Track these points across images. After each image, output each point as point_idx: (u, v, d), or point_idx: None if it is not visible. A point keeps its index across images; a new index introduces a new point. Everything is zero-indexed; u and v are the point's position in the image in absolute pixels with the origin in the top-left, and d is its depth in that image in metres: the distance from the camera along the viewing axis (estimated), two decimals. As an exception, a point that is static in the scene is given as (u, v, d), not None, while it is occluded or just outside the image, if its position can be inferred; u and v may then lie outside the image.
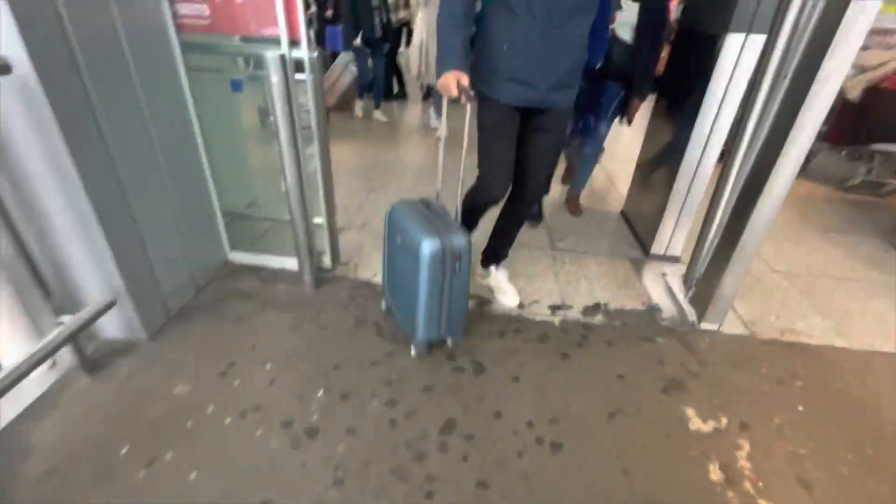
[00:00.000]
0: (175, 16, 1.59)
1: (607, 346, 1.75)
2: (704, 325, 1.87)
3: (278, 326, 1.77)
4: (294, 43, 1.60)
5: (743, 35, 1.83)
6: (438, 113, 4.22)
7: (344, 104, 4.79)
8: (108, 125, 1.37)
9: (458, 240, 1.44)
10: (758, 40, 1.82)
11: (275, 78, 1.50)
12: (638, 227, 2.63)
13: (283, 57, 1.50)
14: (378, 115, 4.69)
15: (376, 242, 2.40)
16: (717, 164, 2.07)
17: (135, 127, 1.50)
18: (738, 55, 1.87)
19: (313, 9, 8.02)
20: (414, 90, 5.92)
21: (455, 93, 1.38)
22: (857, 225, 3.03)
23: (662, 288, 2.15)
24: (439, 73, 1.41)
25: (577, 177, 2.86)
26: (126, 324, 1.60)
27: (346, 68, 4.56)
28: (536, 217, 2.71)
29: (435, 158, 3.76)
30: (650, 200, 2.45)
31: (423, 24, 3.63)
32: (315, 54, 1.68)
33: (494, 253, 2.00)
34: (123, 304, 1.54)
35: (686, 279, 2.05)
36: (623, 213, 2.89)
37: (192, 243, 1.85)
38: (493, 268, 2.02)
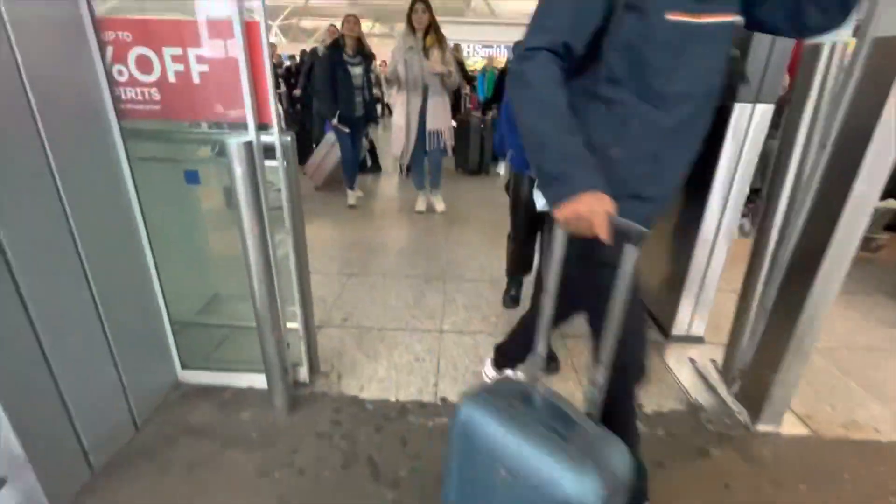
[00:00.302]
0: (117, 100, 1.33)
1: (660, 470, 1.42)
2: (761, 427, 1.58)
3: (242, 475, 1.36)
4: (263, 126, 1.36)
5: (750, 105, 1.73)
6: (420, 186, 4.05)
7: (332, 182, 4.56)
8: (9, 231, 1.05)
9: (618, 460, 0.84)
10: (766, 109, 1.73)
11: (238, 169, 1.23)
12: (650, 304, 2.40)
13: (249, 144, 1.25)
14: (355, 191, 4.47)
15: (360, 341, 2.05)
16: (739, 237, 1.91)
17: (49, 230, 1.18)
18: (747, 126, 1.76)
19: (283, 88, 8.15)
20: (386, 161, 5.85)
21: (602, 227, 0.78)
22: (860, 284, 2.92)
23: (695, 378, 1.88)
24: (559, 196, 0.83)
25: None
26: (26, 499, 1.16)
27: (333, 146, 4.38)
28: (554, 362, 1.95)
29: (420, 235, 3.52)
30: (661, 275, 2.25)
31: (404, 107, 3.50)
32: (288, 138, 1.45)
33: None
34: (23, 475, 1.12)
35: (725, 369, 1.79)
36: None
37: (131, 367, 1.46)
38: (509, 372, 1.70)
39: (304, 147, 5.75)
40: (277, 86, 8.09)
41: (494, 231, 3.56)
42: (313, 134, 5.82)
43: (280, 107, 7.43)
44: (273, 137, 1.38)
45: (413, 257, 3.04)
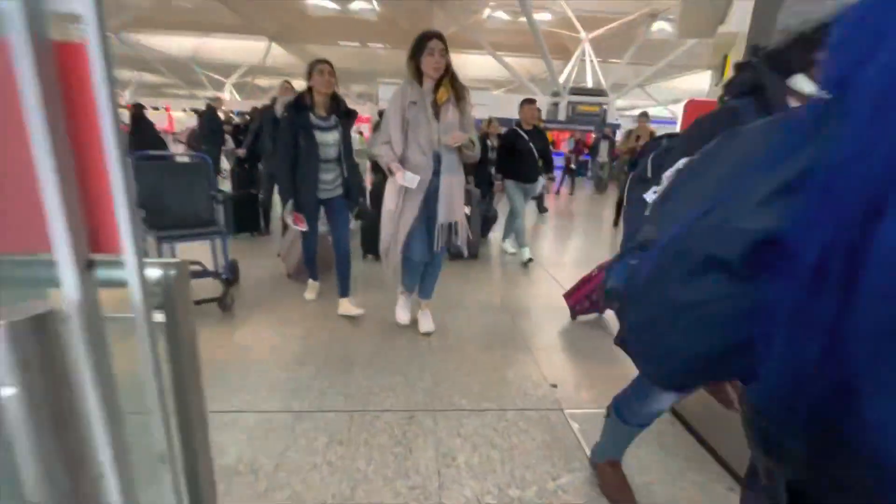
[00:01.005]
0: None
1: None
2: None
3: None
4: (110, 254, 0.65)
5: None
6: (410, 289, 2.85)
7: (304, 271, 3.43)
8: None
9: None
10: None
11: (8, 390, 0.49)
12: (718, 446, 1.78)
13: (45, 318, 0.52)
14: (347, 307, 2.96)
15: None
16: None
17: None
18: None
19: (230, 144, 7.39)
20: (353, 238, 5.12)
21: None
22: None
23: None
24: None
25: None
26: None
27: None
28: None
29: (396, 341, 2.76)
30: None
31: (394, 192, 2.43)
32: (173, 271, 0.73)
33: None
34: None
35: None
36: (675, 413, 2.06)
37: None
38: None
39: (250, 215, 5.00)
40: (223, 142, 7.29)
41: (491, 334, 2.86)
42: (260, 199, 5.11)
43: (221, 166, 6.58)
44: (127, 271, 0.66)
45: (387, 376, 2.28)
